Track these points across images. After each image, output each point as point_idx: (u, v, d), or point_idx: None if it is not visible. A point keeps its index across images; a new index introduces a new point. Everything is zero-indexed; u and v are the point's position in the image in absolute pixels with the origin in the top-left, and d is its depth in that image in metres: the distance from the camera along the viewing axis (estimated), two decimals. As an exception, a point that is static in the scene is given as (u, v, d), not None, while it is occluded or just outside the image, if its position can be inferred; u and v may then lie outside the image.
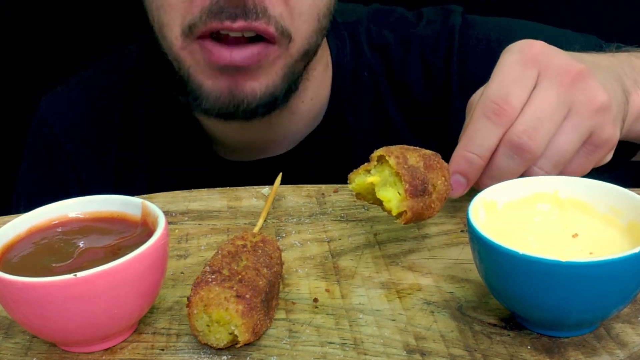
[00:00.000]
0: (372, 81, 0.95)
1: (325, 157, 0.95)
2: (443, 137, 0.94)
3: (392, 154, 0.66)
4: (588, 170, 0.69)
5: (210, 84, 0.82)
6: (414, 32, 0.94)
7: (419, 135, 0.94)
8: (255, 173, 0.95)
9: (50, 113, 1.00)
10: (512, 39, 0.90)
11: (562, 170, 0.68)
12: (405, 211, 0.65)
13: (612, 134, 0.68)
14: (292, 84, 0.85)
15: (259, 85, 0.82)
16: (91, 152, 0.99)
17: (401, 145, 0.69)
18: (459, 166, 0.68)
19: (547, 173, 0.67)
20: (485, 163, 0.67)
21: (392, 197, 0.65)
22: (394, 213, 0.65)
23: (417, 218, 0.66)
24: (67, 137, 0.99)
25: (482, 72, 0.90)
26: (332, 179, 0.95)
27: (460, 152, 0.67)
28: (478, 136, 0.66)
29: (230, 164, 0.96)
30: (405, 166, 0.65)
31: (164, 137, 0.98)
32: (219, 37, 0.80)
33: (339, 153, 0.95)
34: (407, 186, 0.64)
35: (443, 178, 0.67)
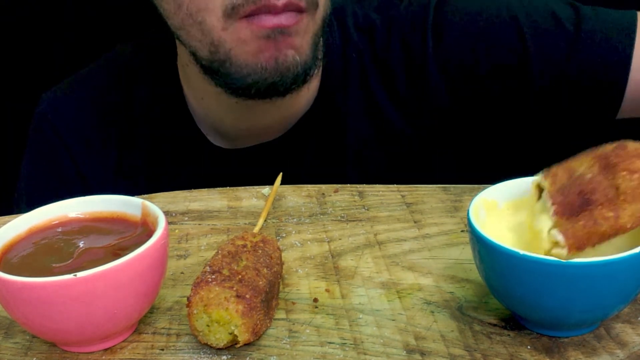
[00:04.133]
0: (359, 63, 0.95)
1: (317, 140, 0.96)
2: (426, 117, 0.94)
3: (549, 175, 0.53)
4: None
5: (254, 60, 0.82)
6: (395, 13, 0.96)
7: (404, 116, 0.94)
8: (251, 160, 0.95)
9: (51, 110, 1.00)
10: (490, 10, 0.90)
11: None
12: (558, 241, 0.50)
13: None
14: (316, 54, 0.86)
15: (297, 54, 0.83)
16: (92, 147, 0.99)
17: (582, 154, 0.54)
18: None
19: None
20: None
21: (543, 226, 0.52)
22: (546, 248, 0.51)
23: (593, 241, 0.51)
24: (68, 133, 0.99)
25: (458, 46, 0.90)
26: (324, 161, 0.95)
27: None
28: None
29: (226, 152, 0.97)
30: (563, 182, 0.52)
31: (161, 130, 0.98)
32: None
33: (330, 135, 0.96)
34: (554, 207, 0.51)
35: (628, 173, 0.51)
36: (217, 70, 0.84)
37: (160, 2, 0.85)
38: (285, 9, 0.78)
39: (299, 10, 0.80)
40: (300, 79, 0.84)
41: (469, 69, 0.90)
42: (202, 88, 0.91)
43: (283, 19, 0.79)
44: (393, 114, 0.95)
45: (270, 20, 0.79)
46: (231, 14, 0.79)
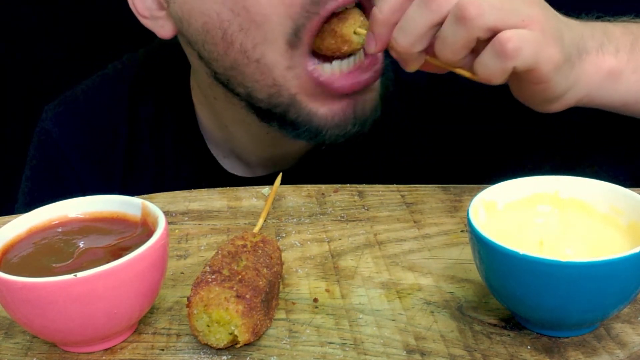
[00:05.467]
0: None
1: (333, 163, 0.94)
2: (441, 126, 0.93)
3: None
4: (497, 77, 0.64)
5: (325, 110, 0.77)
6: None
7: (418, 125, 0.93)
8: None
9: (53, 125, 0.97)
10: None
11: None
12: None
13: (523, 40, 0.62)
14: (390, 70, 0.83)
15: (376, 93, 0.79)
16: (95, 164, 0.97)
17: None
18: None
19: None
20: (385, 16, 0.65)
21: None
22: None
23: None
24: (70, 150, 0.97)
25: None
26: (333, 174, 0.94)
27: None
28: None
29: (237, 179, 0.95)
30: None
31: (169, 152, 0.96)
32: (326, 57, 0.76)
33: (347, 158, 0.94)
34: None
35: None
36: (280, 116, 0.79)
37: (202, 47, 0.79)
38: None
39: (367, 4, 0.76)
40: (379, 114, 0.80)
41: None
42: (231, 117, 0.88)
43: (362, 80, 0.75)
44: (407, 123, 0.93)
45: (348, 86, 0.75)
46: (295, 41, 0.74)
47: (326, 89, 0.76)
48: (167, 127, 0.96)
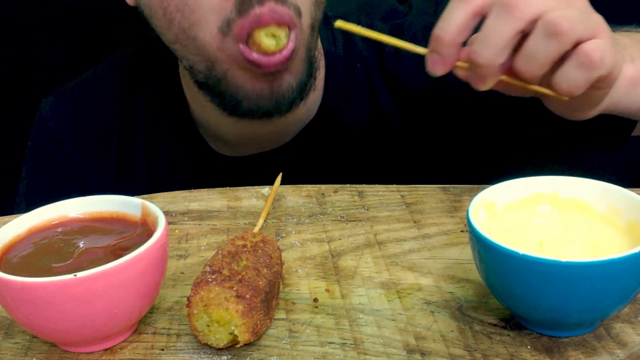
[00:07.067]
0: (365, 72, 0.94)
1: (320, 150, 0.95)
2: (438, 129, 0.93)
3: None
4: (581, 88, 0.64)
5: (250, 86, 0.81)
6: (405, 22, 0.94)
7: (412, 126, 0.94)
8: (253, 168, 0.95)
9: (51, 116, 1.00)
10: None
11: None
12: None
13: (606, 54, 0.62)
14: (312, 67, 0.85)
15: (293, 78, 0.82)
16: (92, 153, 0.99)
17: None
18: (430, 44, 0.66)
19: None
20: (451, 36, 0.64)
21: None
22: None
23: None
24: (68, 140, 0.99)
25: None
26: (328, 171, 0.95)
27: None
28: (447, 14, 0.65)
29: (228, 159, 0.97)
30: None
31: (162, 136, 0.98)
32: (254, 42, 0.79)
33: (333, 145, 0.95)
34: None
35: None
36: (212, 88, 0.84)
37: (151, 20, 0.84)
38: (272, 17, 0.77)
39: (292, 23, 0.78)
40: (297, 100, 0.83)
41: None
42: (202, 98, 0.91)
43: (280, 60, 0.78)
44: (400, 124, 0.94)
45: (269, 65, 0.78)
46: (227, 31, 0.78)
47: (255, 67, 0.79)
48: (160, 113, 0.99)
